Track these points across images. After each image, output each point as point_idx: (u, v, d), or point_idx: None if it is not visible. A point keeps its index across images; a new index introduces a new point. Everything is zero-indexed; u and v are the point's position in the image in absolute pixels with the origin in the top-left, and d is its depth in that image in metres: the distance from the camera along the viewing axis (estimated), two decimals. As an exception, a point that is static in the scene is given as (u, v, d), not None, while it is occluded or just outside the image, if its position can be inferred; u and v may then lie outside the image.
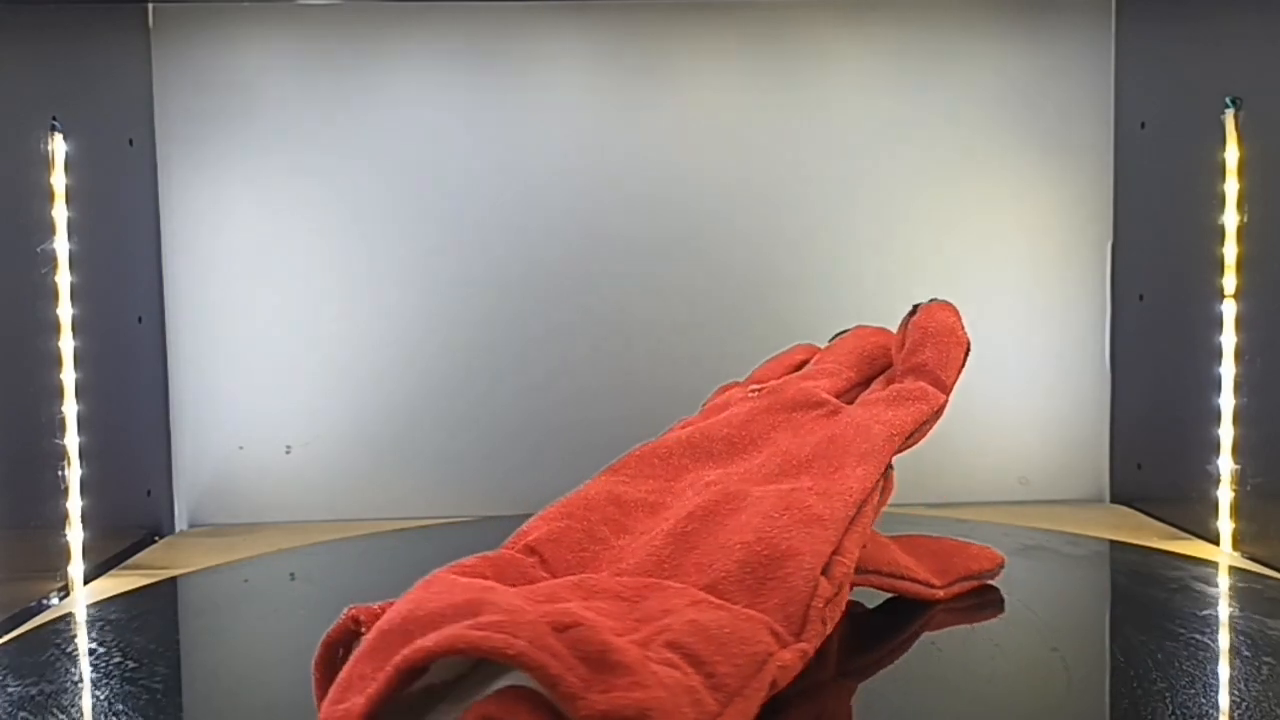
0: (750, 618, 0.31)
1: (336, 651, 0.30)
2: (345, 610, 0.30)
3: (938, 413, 0.44)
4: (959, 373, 0.45)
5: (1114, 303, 0.76)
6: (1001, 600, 0.44)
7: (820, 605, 0.33)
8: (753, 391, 0.45)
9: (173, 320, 0.74)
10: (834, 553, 0.35)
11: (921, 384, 0.44)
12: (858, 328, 0.51)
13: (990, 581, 0.46)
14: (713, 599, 0.32)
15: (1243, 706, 0.34)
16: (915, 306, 0.48)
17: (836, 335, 0.51)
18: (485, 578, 0.32)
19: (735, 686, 0.28)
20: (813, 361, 0.49)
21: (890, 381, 0.46)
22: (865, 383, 0.48)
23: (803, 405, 0.43)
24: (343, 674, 0.27)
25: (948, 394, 0.44)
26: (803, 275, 0.75)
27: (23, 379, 0.62)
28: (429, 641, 0.25)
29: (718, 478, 0.39)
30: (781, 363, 0.51)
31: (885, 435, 0.41)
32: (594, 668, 0.25)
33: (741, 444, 0.41)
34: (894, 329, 0.48)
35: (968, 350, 0.46)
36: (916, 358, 0.45)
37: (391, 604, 0.29)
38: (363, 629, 0.29)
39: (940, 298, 0.48)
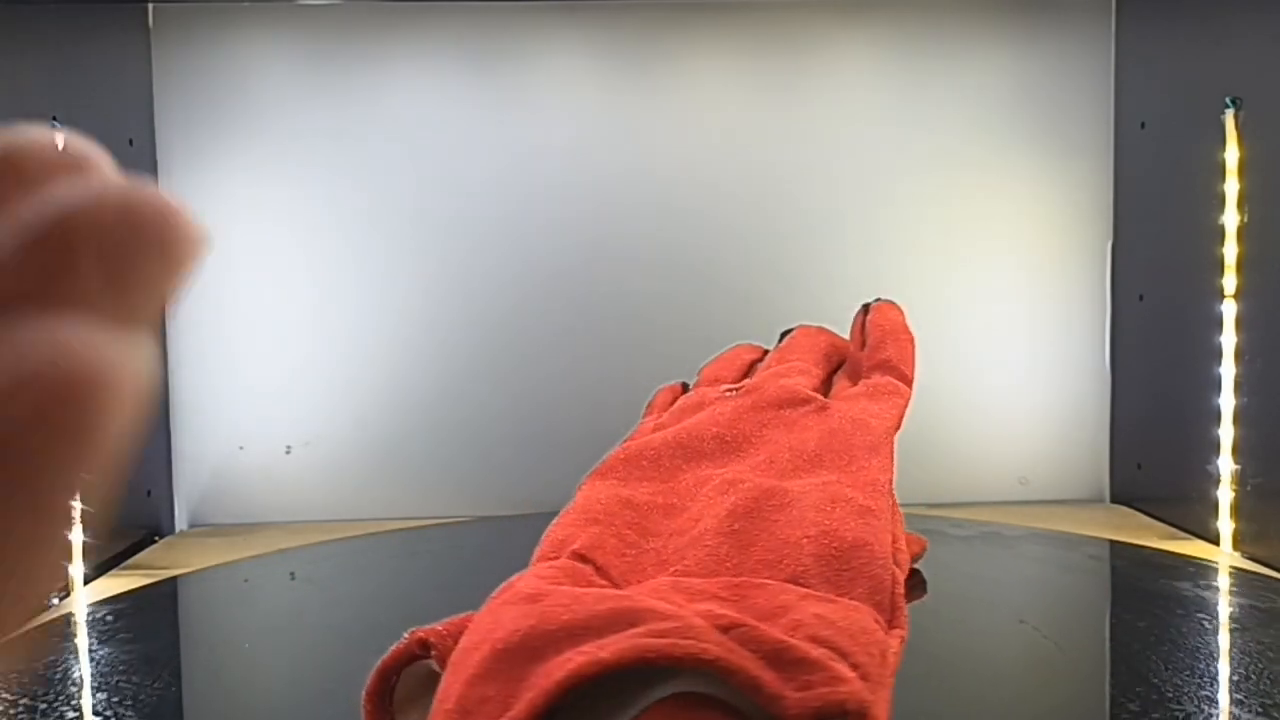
0: (858, 608, 0.30)
1: (391, 680, 0.28)
2: (406, 634, 0.28)
3: (907, 406, 0.45)
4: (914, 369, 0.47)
5: (1114, 303, 0.76)
6: (925, 583, 0.45)
7: (901, 592, 0.33)
8: (728, 391, 0.45)
9: (173, 320, 0.74)
10: (892, 541, 0.35)
11: (889, 379, 0.45)
12: (801, 327, 0.51)
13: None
14: (815, 592, 0.31)
15: (1243, 681, 0.34)
16: (866, 305, 0.49)
17: (783, 334, 0.51)
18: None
19: (876, 676, 0.27)
20: (771, 360, 0.49)
21: (855, 377, 0.46)
22: (827, 379, 0.48)
23: (789, 402, 0.43)
24: (451, 701, 0.24)
25: (911, 388, 0.46)
26: (802, 275, 0.75)
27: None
28: (605, 654, 0.23)
29: (735, 475, 0.39)
30: (732, 363, 0.50)
31: (883, 429, 0.42)
32: (777, 666, 0.24)
33: (735, 442, 0.41)
34: (863, 330, 0.49)
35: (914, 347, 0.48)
36: (881, 354, 0.46)
37: (456, 621, 0.28)
38: (432, 653, 0.27)
39: (885, 297, 0.50)
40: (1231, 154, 0.64)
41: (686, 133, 0.75)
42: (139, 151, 0.72)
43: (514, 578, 0.31)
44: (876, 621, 0.30)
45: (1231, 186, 0.64)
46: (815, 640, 0.27)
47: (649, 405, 0.50)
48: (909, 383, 0.46)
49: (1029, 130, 0.76)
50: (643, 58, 0.75)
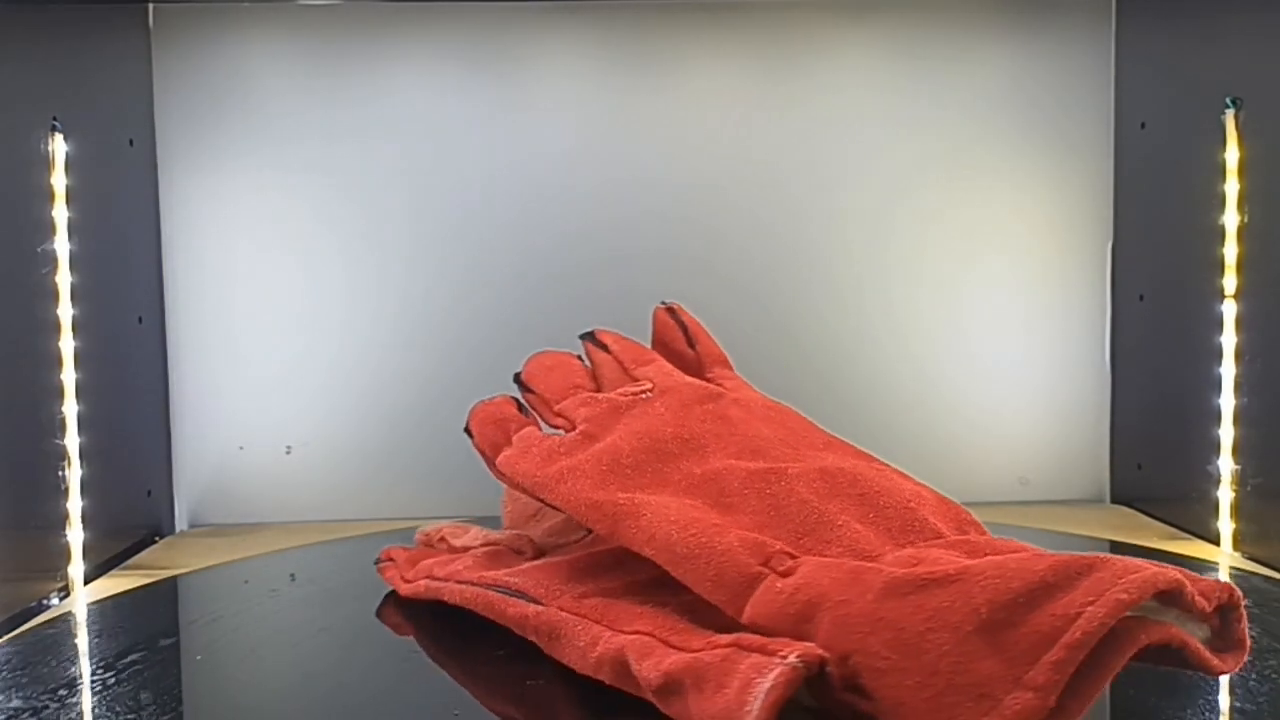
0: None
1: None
2: (794, 656, 0.27)
3: None
4: None
5: (1114, 303, 0.76)
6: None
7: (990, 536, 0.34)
8: (643, 393, 0.44)
9: (173, 320, 0.74)
10: None
11: (729, 372, 0.48)
12: (600, 331, 0.50)
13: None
14: (994, 539, 0.33)
15: (1242, 682, 0.34)
16: (669, 306, 0.51)
17: (584, 336, 0.50)
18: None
19: None
20: (627, 361, 0.47)
21: (690, 372, 0.47)
22: None
23: (707, 397, 0.43)
24: (941, 685, 0.26)
25: None
26: (801, 275, 0.75)
27: (23, 379, 0.62)
28: (1124, 594, 0.26)
29: (756, 467, 0.38)
30: (572, 369, 0.48)
31: (792, 409, 0.43)
32: None
33: (695, 440, 0.40)
34: (685, 329, 0.50)
35: None
36: (715, 350, 0.49)
37: (807, 637, 0.29)
38: (827, 666, 0.28)
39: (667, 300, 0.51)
40: (1231, 154, 0.64)
41: (686, 133, 0.75)
42: (139, 151, 0.72)
43: (823, 581, 0.30)
44: None
45: (1231, 186, 0.64)
46: None
47: (485, 419, 0.46)
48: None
49: (1029, 130, 0.76)
50: (643, 58, 0.75)
